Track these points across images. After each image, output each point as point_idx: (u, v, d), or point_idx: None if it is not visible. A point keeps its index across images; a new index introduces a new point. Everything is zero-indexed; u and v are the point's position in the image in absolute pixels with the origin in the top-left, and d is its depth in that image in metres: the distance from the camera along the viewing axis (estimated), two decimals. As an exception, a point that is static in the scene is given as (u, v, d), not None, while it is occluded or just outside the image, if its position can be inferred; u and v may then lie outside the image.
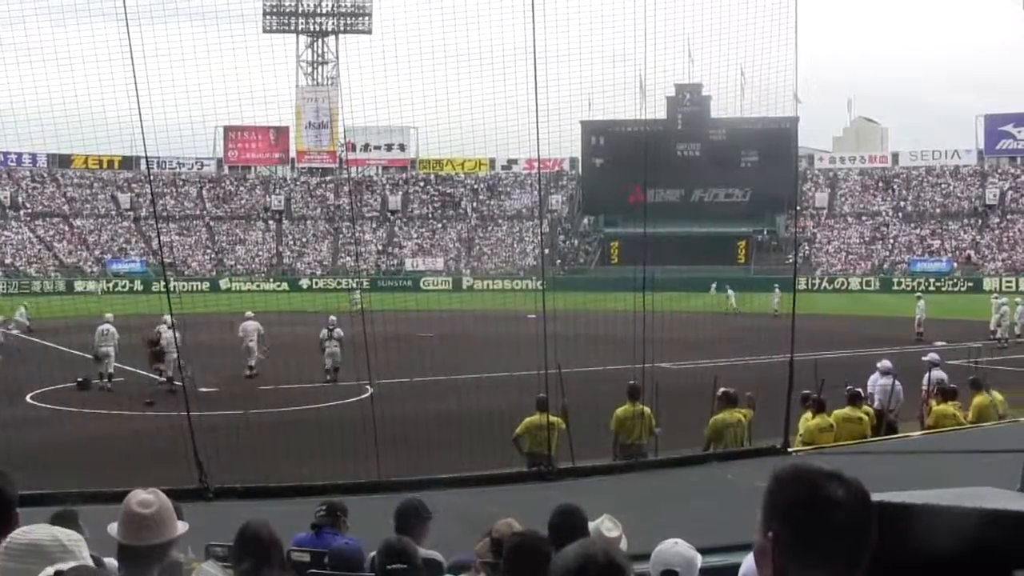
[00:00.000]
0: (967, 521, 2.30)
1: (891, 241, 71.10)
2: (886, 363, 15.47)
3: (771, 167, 63.12)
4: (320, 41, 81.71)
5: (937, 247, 69.45)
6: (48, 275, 65.94)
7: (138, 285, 60.89)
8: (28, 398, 20.42)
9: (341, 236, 75.19)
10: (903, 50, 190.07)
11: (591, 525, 5.02)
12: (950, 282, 63.24)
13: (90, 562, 2.46)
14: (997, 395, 13.82)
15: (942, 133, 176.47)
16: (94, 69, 18.99)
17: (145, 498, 3.24)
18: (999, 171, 74.42)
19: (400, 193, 79.24)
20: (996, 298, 35.26)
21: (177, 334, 18.66)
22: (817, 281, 64.51)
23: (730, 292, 46.32)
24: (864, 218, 73.84)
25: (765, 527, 1.91)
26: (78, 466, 13.39)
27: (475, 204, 78.95)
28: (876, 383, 15.08)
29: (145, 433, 15.45)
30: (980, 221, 70.95)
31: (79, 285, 61.74)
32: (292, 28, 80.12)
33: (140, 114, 10.86)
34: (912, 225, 72.17)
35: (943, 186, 74.62)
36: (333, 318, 24.40)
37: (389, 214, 77.84)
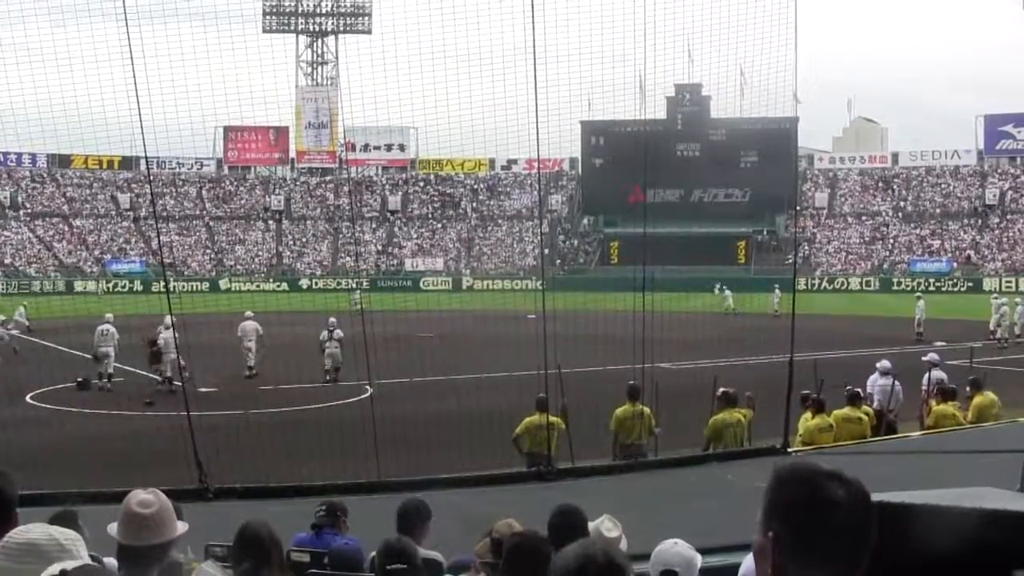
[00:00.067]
0: (967, 521, 2.30)
1: (891, 241, 71.11)
2: (885, 363, 15.47)
3: (771, 167, 63.13)
4: (320, 41, 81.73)
5: (937, 247, 69.46)
6: (48, 275, 65.94)
7: (138, 285, 60.91)
8: (28, 398, 20.42)
9: (341, 236, 75.20)
10: (903, 50, 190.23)
11: (591, 525, 5.02)
12: (950, 282, 63.24)
13: (88, 560, 2.46)
14: (991, 396, 13.83)
15: (942, 133, 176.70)
16: (94, 69, 18.98)
17: (145, 498, 3.24)
18: (999, 171, 74.43)
19: (400, 193, 79.24)
20: (996, 298, 35.25)
21: (176, 334, 18.66)
22: (817, 281, 64.51)
23: (727, 292, 46.31)
24: (864, 218, 73.85)
25: (765, 526, 1.91)
26: (78, 466, 13.38)
27: (475, 204, 78.95)
28: (876, 383, 15.08)
29: (145, 433, 15.45)
30: (980, 221, 70.96)
31: (79, 285, 61.73)
32: (292, 28, 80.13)
33: (140, 114, 10.86)
34: (912, 225, 72.18)
35: (943, 186, 74.63)
36: (333, 319, 24.40)
37: (389, 214, 77.84)
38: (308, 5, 79.41)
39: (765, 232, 70.61)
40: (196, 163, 78.99)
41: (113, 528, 3.25)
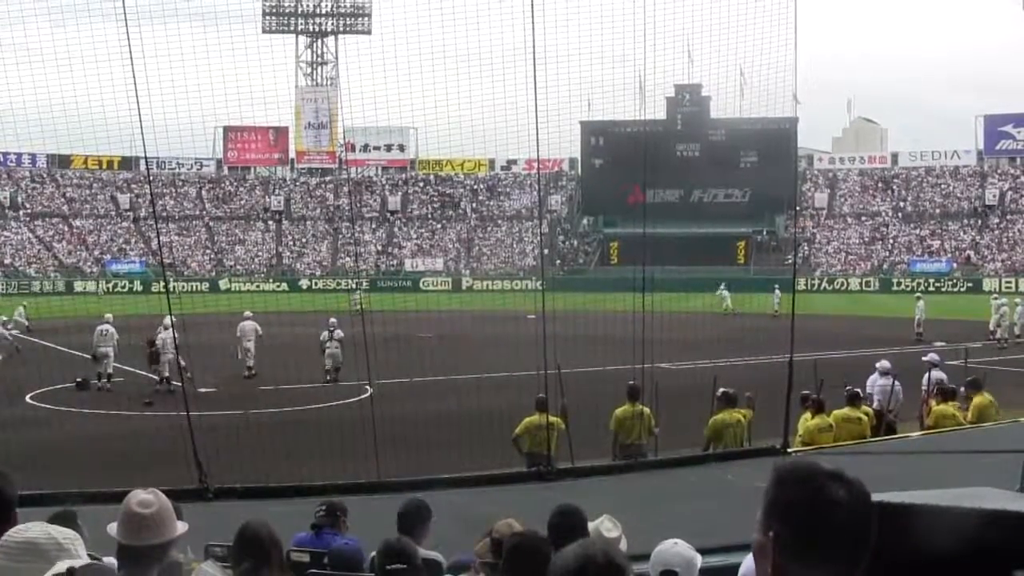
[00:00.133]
0: (967, 521, 2.30)
1: (891, 241, 71.12)
2: (885, 363, 15.48)
3: (771, 167, 63.13)
4: (320, 41, 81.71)
5: (937, 247, 69.47)
6: (48, 275, 65.94)
7: (137, 286, 60.92)
8: (28, 398, 20.42)
9: (341, 236, 75.19)
10: (903, 50, 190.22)
11: (591, 525, 5.02)
12: (950, 282, 63.24)
13: (86, 559, 2.46)
14: (988, 396, 13.83)
15: (942, 133, 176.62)
16: (94, 69, 19.00)
17: (145, 498, 3.24)
18: (999, 171, 74.43)
19: (400, 193, 79.23)
20: (995, 298, 35.25)
21: (177, 334, 18.65)
22: (817, 281, 64.51)
23: (725, 293, 46.31)
24: (864, 218, 73.85)
25: (765, 525, 1.91)
26: (78, 466, 13.39)
27: (475, 204, 78.95)
28: (875, 383, 15.09)
29: (145, 433, 15.45)
30: (980, 221, 70.97)
31: (79, 285, 61.72)
32: (292, 28, 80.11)
33: (140, 114, 10.85)
34: (912, 225, 72.19)
35: (943, 186, 74.64)
36: (333, 320, 24.42)
37: (388, 214, 77.84)
38: (308, 5, 79.40)
39: (765, 232, 70.61)
40: (196, 163, 78.98)
41: (113, 528, 3.25)
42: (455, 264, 73.15)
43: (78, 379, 22.50)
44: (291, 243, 75.71)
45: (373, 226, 76.45)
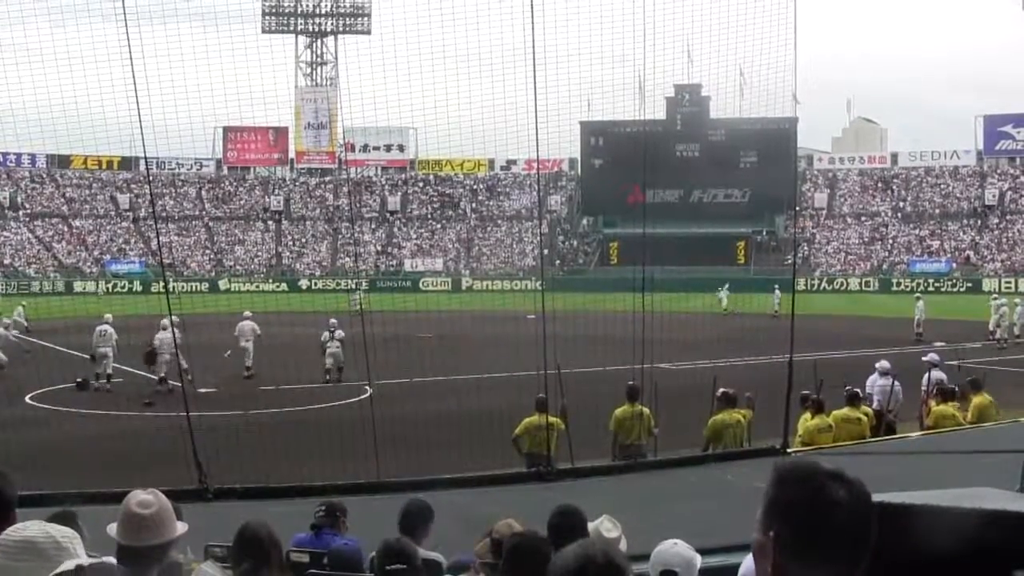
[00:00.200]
0: (967, 521, 2.30)
1: (890, 242, 71.13)
2: (884, 364, 15.48)
3: (770, 168, 63.14)
4: (319, 42, 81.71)
5: (936, 248, 69.48)
6: (47, 276, 65.93)
7: (137, 286, 60.91)
8: (27, 398, 20.42)
9: (340, 237, 75.19)
10: (903, 50, 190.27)
11: (590, 526, 5.02)
12: (949, 283, 63.25)
13: (86, 559, 2.45)
14: (987, 396, 13.83)
15: (942, 133, 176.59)
16: (94, 69, 19.00)
17: (144, 499, 3.24)
18: (998, 172, 74.44)
19: (399, 194, 79.23)
20: (995, 299, 35.26)
21: (178, 333, 18.66)
22: (816, 282, 64.52)
23: (722, 294, 46.31)
24: (863, 219, 73.86)
25: (765, 525, 1.91)
26: (78, 466, 13.38)
27: (474, 205, 78.95)
28: (875, 383, 15.09)
29: (145, 433, 15.44)
30: (979, 222, 70.98)
31: (78, 286, 61.73)
32: (291, 29, 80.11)
33: (139, 115, 10.85)
34: (911, 226, 72.20)
35: (942, 187, 74.65)
36: (334, 320, 24.42)
37: (388, 215, 77.83)
38: (307, 5, 79.41)
39: (764, 232, 70.62)
40: (195, 163, 79.00)
41: (113, 528, 3.25)
42: (455, 264, 73.15)
43: (78, 379, 22.49)
44: (291, 243, 75.71)
45: (373, 226, 76.45)
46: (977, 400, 13.42)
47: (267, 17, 77.53)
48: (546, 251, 67.38)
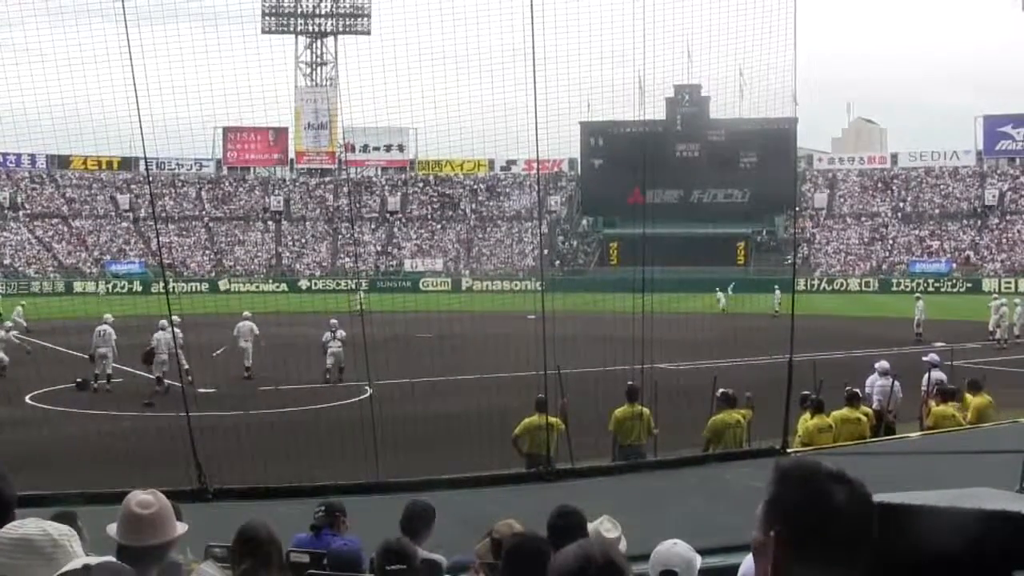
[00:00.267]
0: (967, 521, 2.30)
1: (890, 242, 71.13)
2: (884, 364, 15.49)
3: (770, 168, 63.13)
4: (319, 42, 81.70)
5: (936, 248, 69.48)
6: (47, 276, 65.93)
7: (137, 286, 60.88)
8: (27, 399, 20.42)
9: (340, 237, 75.18)
10: (903, 50, 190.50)
11: (590, 526, 5.02)
12: (949, 283, 63.25)
13: (82, 555, 2.45)
14: (987, 397, 13.83)
15: (941, 134, 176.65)
16: (94, 69, 18.96)
17: (144, 499, 3.24)
18: (998, 172, 74.45)
19: (399, 194, 79.23)
20: (995, 299, 35.27)
21: (179, 332, 18.67)
22: (816, 282, 64.53)
23: (720, 294, 46.28)
24: (863, 219, 73.86)
25: (766, 524, 1.91)
26: (78, 466, 13.39)
27: (474, 205, 78.95)
28: (875, 384, 15.09)
29: (145, 433, 15.45)
30: (979, 222, 70.98)
31: (78, 286, 61.71)
32: (291, 29, 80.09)
33: (139, 115, 10.85)
34: (911, 226, 72.20)
35: (942, 187, 74.65)
36: (334, 321, 24.42)
37: (388, 215, 77.83)
38: (307, 6, 79.40)
39: (764, 233, 70.61)
40: (195, 164, 79.00)
41: (113, 528, 3.25)
42: (455, 265, 73.15)
43: (77, 380, 22.50)
44: (291, 244, 75.71)
45: (373, 226, 76.44)
46: (977, 400, 13.43)
47: (267, 17, 77.52)
48: (546, 251, 67.38)
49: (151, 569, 3.17)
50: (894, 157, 79.35)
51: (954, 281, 63.69)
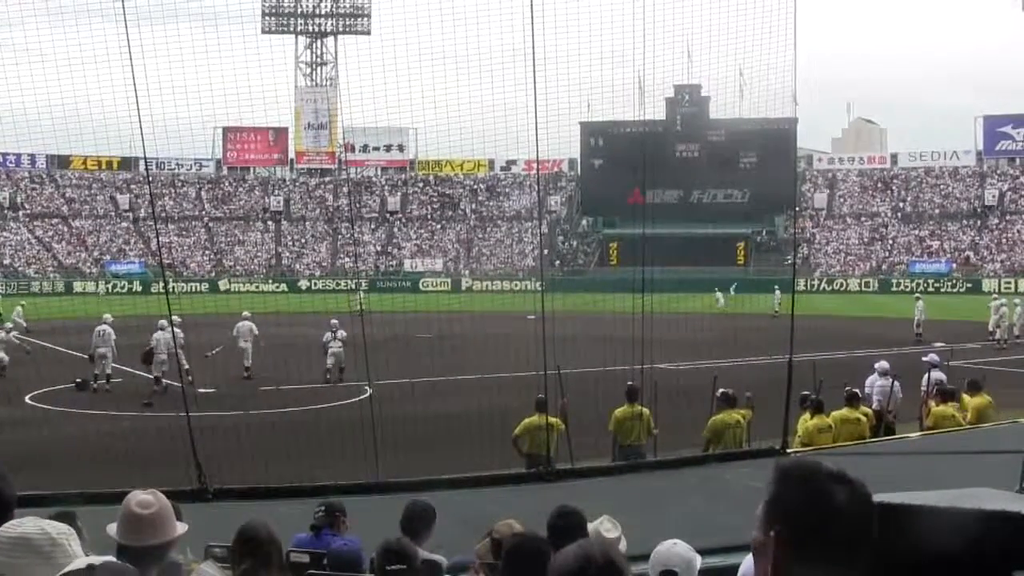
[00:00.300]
0: (967, 521, 2.30)
1: (890, 242, 71.13)
2: (884, 364, 15.49)
3: (770, 168, 63.11)
4: (319, 42, 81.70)
5: (936, 248, 69.48)
6: (47, 276, 65.92)
7: (137, 286, 60.86)
8: (27, 399, 20.42)
9: (340, 237, 75.18)
10: (903, 50, 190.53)
11: (590, 526, 5.02)
12: (949, 283, 63.25)
13: (80, 554, 2.45)
14: (986, 397, 13.83)
15: (941, 134, 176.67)
16: (94, 69, 18.95)
17: (144, 499, 3.24)
18: (998, 172, 74.45)
19: (399, 194, 79.23)
20: (995, 299, 35.27)
21: (179, 332, 18.66)
22: (816, 282, 64.53)
23: (719, 295, 46.25)
24: (863, 219, 73.86)
25: (766, 524, 1.91)
26: (78, 466, 13.38)
27: (474, 205, 78.95)
28: (874, 384, 15.09)
29: (145, 433, 15.45)
30: (979, 222, 70.98)
31: (78, 286, 61.69)
32: (291, 29, 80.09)
33: (139, 115, 10.84)
34: (911, 226, 72.20)
35: (942, 187, 74.65)
36: (335, 321, 24.43)
37: (388, 215, 77.83)
38: (307, 6, 79.40)
39: (764, 233, 70.60)
40: (195, 164, 79.00)
41: (112, 528, 3.25)
42: (454, 265, 73.14)
43: (77, 380, 22.50)
44: (290, 244, 75.71)
45: (372, 226, 76.44)
46: (976, 400, 13.43)
47: (267, 17, 77.52)
48: (546, 251, 67.37)
49: (151, 569, 3.17)
50: (894, 157, 79.35)
51: (954, 281, 63.69)
